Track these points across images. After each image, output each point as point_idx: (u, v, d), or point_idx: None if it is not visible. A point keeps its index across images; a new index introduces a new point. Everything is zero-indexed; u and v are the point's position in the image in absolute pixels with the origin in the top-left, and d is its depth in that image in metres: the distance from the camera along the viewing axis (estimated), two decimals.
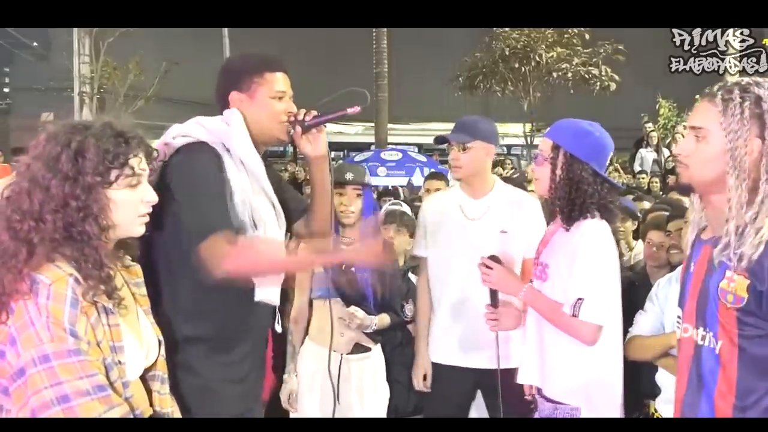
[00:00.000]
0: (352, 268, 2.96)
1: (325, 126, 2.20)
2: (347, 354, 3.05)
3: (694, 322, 1.78)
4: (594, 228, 2.24)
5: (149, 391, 1.72)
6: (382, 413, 3.14)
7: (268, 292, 2.06)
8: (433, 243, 3.08)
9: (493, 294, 2.43)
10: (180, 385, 1.92)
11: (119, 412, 1.48)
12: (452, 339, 3.00)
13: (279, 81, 2.14)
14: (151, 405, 1.71)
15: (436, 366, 3.07)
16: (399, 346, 3.40)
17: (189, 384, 1.95)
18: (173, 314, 1.96)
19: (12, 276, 1.46)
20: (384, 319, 3.15)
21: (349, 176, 3.01)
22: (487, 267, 2.38)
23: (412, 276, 3.57)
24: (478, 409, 3.10)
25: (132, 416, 1.54)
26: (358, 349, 3.08)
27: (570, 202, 2.25)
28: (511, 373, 2.50)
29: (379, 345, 3.19)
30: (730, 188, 1.67)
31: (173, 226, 1.94)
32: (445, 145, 3.05)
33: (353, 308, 2.98)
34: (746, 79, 1.70)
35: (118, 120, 1.65)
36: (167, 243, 1.97)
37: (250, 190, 2.02)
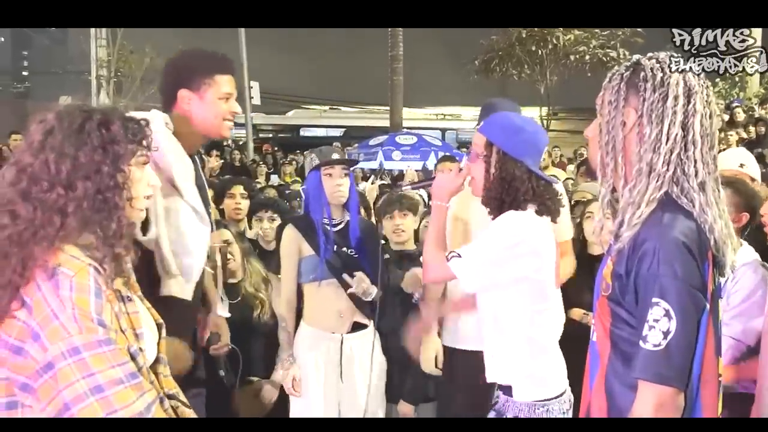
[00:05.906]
0: (349, 251, 3.06)
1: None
2: (347, 333, 3.10)
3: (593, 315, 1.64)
4: (511, 214, 2.15)
5: (156, 374, 1.69)
6: (382, 387, 3.18)
7: None
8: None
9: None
10: None
11: (150, 396, 1.46)
12: (462, 323, 2.96)
13: (226, 83, 2.33)
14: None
15: (449, 350, 3.03)
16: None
17: None
18: None
19: (43, 247, 1.41)
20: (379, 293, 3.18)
21: (335, 156, 3.08)
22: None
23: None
24: None
25: (160, 399, 1.52)
26: (356, 327, 3.12)
27: (500, 200, 2.15)
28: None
29: (372, 321, 3.20)
30: (600, 162, 1.55)
31: None
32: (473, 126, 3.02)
33: (360, 273, 3.01)
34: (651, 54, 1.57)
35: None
36: None
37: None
